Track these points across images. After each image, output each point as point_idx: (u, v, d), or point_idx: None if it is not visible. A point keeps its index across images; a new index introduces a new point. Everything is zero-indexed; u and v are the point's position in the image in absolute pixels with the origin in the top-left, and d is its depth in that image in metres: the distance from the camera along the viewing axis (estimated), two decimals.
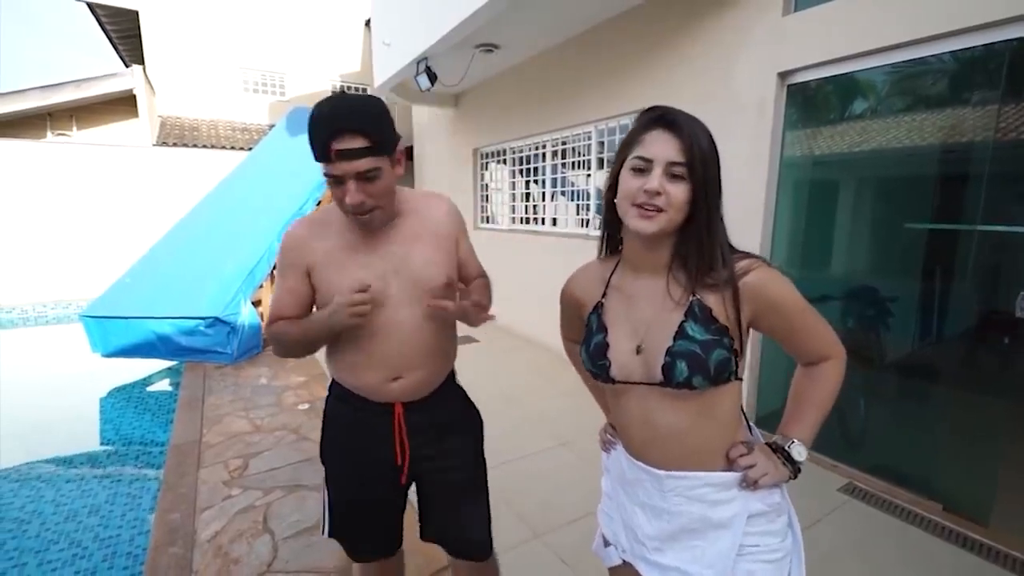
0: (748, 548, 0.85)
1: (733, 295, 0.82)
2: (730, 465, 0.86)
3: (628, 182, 0.83)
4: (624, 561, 0.99)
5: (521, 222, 5.83)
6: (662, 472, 0.87)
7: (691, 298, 0.83)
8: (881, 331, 2.68)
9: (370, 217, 1.07)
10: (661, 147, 0.80)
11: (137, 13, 9.82)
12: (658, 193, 0.79)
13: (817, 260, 2.96)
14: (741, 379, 0.87)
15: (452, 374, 1.35)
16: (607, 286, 0.94)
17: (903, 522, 2.27)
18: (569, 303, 1.05)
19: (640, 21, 3.71)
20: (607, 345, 0.89)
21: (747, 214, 2.98)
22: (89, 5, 9.70)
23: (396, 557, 1.42)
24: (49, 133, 9.87)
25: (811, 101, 2.81)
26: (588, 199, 4.68)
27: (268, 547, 2.10)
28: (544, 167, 5.29)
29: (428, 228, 1.19)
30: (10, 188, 7.86)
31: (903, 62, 2.36)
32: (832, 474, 2.66)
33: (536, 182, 5.54)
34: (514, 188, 5.95)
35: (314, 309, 1.21)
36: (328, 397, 1.32)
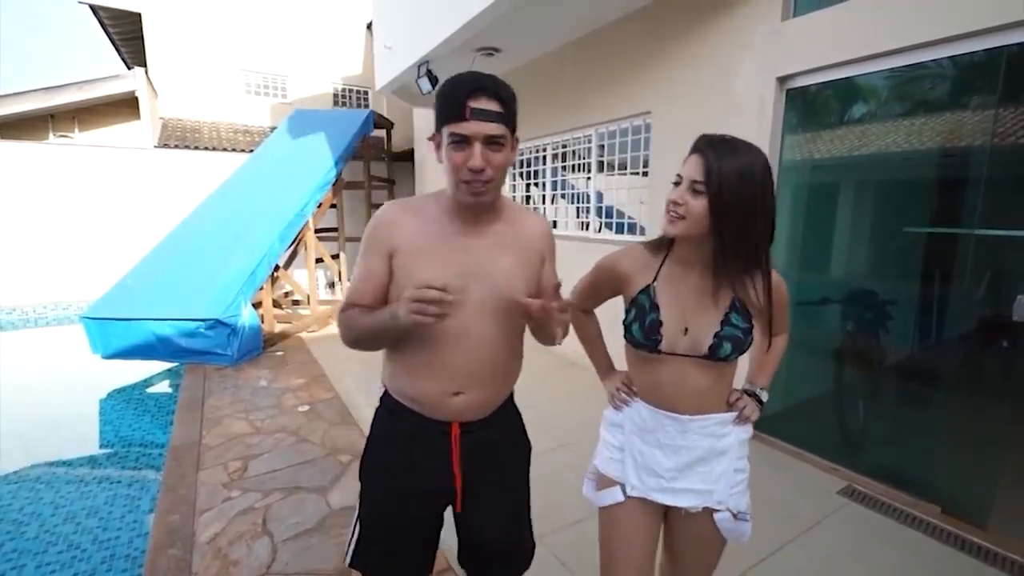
0: (737, 467, 1.18)
1: (768, 299, 1.09)
2: (729, 408, 1.17)
3: (669, 193, 1.06)
4: (627, 498, 1.19)
5: None
6: (686, 417, 1.13)
7: (732, 295, 1.09)
8: (880, 334, 2.69)
9: (485, 189, 1.01)
10: (690, 167, 1.02)
11: (140, 15, 9.85)
12: (678, 203, 1.02)
13: (816, 263, 2.97)
14: None
15: (511, 395, 1.28)
16: (657, 273, 1.14)
17: (902, 525, 2.27)
18: (613, 276, 1.21)
19: (640, 25, 3.73)
20: (661, 323, 1.10)
21: None
22: (92, 8, 9.73)
23: None
24: (51, 135, 9.89)
25: (810, 105, 2.82)
26: (588, 202, 4.70)
27: (267, 549, 2.09)
28: (545, 170, 5.30)
29: (520, 240, 1.13)
30: (12, 189, 7.87)
31: (901, 67, 2.37)
32: (832, 477, 2.67)
33: (537, 185, 5.56)
34: (515, 191, 5.96)
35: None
36: (379, 409, 1.22)
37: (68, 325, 7.19)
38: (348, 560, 1.20)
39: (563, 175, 5.11)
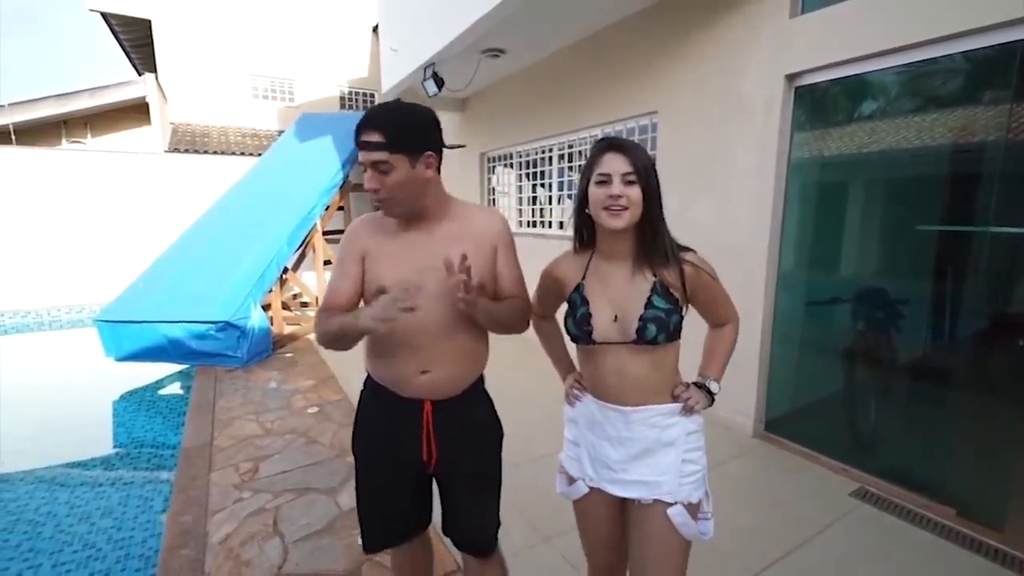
0: (686, 459, 1.19)
1: (680, 275, 1.15)
2: (674, 399, 1.20)
3: (595, 193, 1.13)
4: (590, 488, 1.27)
5: (528, 225, 5.84)
6: (628, 408, 1.18)
7: (653, 278, 1.15)
8: (891, 333, 2.66)
9: (384, 205, 1.22)
10: (615, 164, 1.11)
11: (150, 22, 9.99)
12: (619, 196, 1.09)
13: (826, 261, 2.94)
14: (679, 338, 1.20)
15: (481, 379, 1.40)
16: (586, 271, 1.23)
17: (916, 527, 2.24)
18: (551, 282, 1.32)
19: (646, 25, 3.71)
20: (590, 315, 1.18)
21: (755, 215, 2.97)
22: (103, 15, 9.87)
23: (424, 538, 1.50)
24: (64, 140, 10.05)
25: (819, 103, 2.80)
26: None
27: (279, 550, 2.11)
28: (551, 170, 5.30)
29: (469, 232, 1.28)
30: (26, 194, 8.00)
31: (912, 63, 2.34)
32: (843, 478, 2.64)
33: (543, 185, 5.55)
34: (521, 192, 5.97)
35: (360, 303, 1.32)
36: (363, 391, 1.40)
37: (82, 328, 7.29)
38: (363, 548, 1.41)
39: (569, 176, 5.10)
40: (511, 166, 6.08)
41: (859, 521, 2.29)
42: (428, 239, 1.26)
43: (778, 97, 2.81)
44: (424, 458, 1.29)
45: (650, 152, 3.89)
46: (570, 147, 4.96)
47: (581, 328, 1.18)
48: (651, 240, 1.14)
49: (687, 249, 1.19)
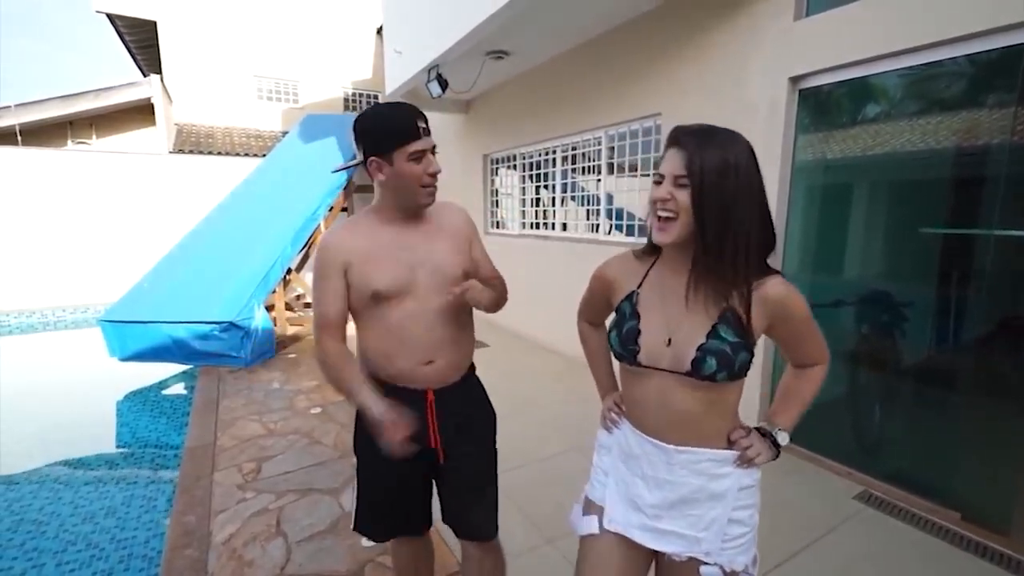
0: (734, 518, 1.00)
1: (756, 305, 0.93)
2: (730, 445, 1.00)
3: (651, 194, 0.97)
4: (606, 531, 1.08)
5: (531, 227, 5.85)
6: (672, 447, 0.99)
7: (724, 304, 0.93)
8: (896, 336, 2.65)
9: (433, 192, 1.28)
10: (670, 164, 0.93)
11: (155, 24, 10.05)
12: (666, 199, 0.92)
13: (830, 264, 2.93)
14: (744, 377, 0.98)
15: (473, 367, 1.46)
16: (644, 279, 1.05)
17: (920, 531, 2.23)
18: (602, 284, 1.15)
19: (650, 27, 3.72)
20: (639, 332, 1.00)
21: None
22: (109, 17, 9.94)
23: (426, 539, 1.57)
24: (70, 141, 10.10)
25: (823, 105, 2.79)
26: (598, 204, 4.69)
27: (282, 550, 2.12)
28: (554, 172, 5.30)
29: (445, 229, 1.35)
30: (32, 195, 8.05)
31: (916, 66, 2.34)
32: (847, 481, 2.63)
33: (546, 187, 5.56)
34: (524, 193, 5.97)
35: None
36: None
37: (86, 328, 7.32)
38: (353, 525, 1.43)
39: (573, 177, 5.10)
40: (514, 167, 6.09)
41: (863, 525, 2.28)
42: (413, 237, 1.30)
43: (782, 99, 2.80)
44: (431, 445, 1.33)
45: (654, 154, 3.91)
46: (573, 149, 4.96)
47: (626, 346, 1.01)
48: (715, 259, 0.91)
49: (773, 272, 0.96)
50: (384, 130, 1.21)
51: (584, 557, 1.11)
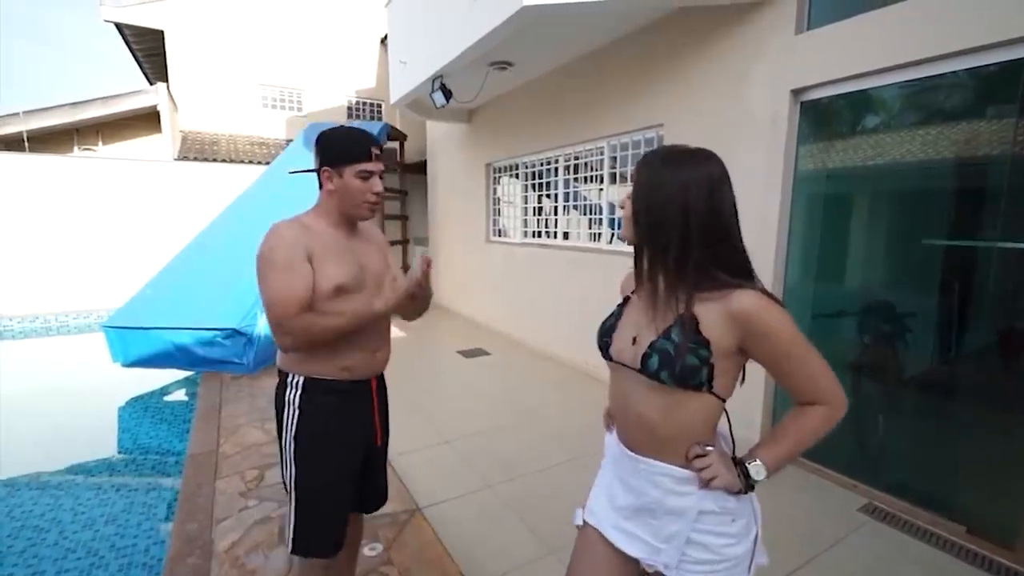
0: (696, 540, 0.97)
1: (721, 318, 0.91)
2: (687, 462, 0.97)
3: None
4: (585, 523, 1.15)
5: (533, 236, 5.87)
6: (632, 454, 1.03)
7: (684, 311, 0.93)
8: (899, 347, 2.65)
9: (378, 208, 1.48)
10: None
11: (162, 33, 10.15)
12: (623, 205, 1.02)
13: (832, 274, 2.94)
14: (717, 396, 0.96)
15: None
16: (639, 285, 1.09)
17: (926, 544, 2.22)
18: (622, 293, 1.21)
19: (653, 39, 3.76)
20: (614, 327, 1.08)
21: (761, 228, 2.97)
22: (117, 26, 10.05)
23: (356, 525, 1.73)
24: (76, 148, 10.18)
25: (825, 117, 2.81)
26: (600, 213, 4.70)
27: (284, 559, 2.11)
28: (556, 181, 5.33)
29: (374, 242, 1.59)
30: (37, 201, 8.10)
31: (917, 79, 2.36)
32: (852, 494, 2.61)
33: (548, 196, 5.58)
34: (526, 202, 6.00)
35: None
36: (299, 394, 1.42)
37: (89, 333, 7.34)
38: (290, 548, 1.45)
39: (575, 187, 5.13)
40: (516, 176, 6.12)
41: (868, 537, 2.27)
42: (353, 242, 1.48)
43: (784, 111, 2.83)
44: (369, 430, 1.51)
45: None
46: (576, 158, 4.99)
47: (601, 338, 1.09)
48: (661, 268, 0.96)
49: (742, 285, 0.92)
50: (342, 147, 1.38)
51: (575, 546, 1.17)
